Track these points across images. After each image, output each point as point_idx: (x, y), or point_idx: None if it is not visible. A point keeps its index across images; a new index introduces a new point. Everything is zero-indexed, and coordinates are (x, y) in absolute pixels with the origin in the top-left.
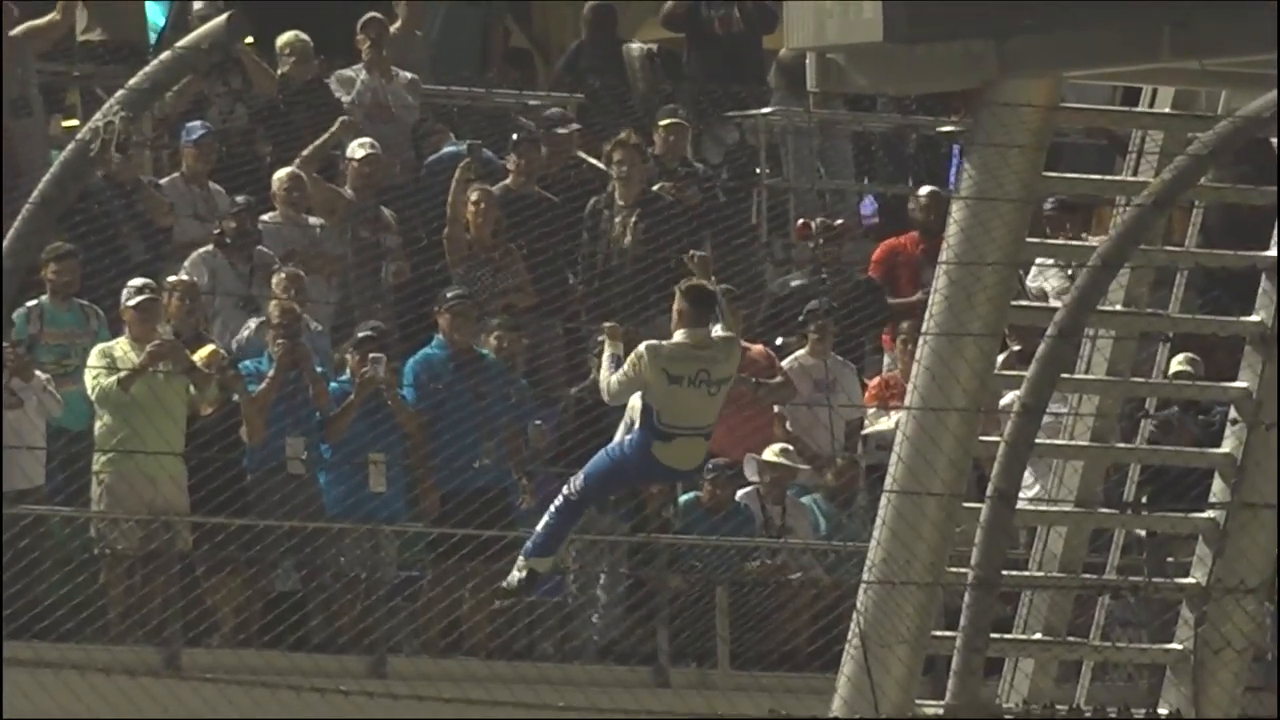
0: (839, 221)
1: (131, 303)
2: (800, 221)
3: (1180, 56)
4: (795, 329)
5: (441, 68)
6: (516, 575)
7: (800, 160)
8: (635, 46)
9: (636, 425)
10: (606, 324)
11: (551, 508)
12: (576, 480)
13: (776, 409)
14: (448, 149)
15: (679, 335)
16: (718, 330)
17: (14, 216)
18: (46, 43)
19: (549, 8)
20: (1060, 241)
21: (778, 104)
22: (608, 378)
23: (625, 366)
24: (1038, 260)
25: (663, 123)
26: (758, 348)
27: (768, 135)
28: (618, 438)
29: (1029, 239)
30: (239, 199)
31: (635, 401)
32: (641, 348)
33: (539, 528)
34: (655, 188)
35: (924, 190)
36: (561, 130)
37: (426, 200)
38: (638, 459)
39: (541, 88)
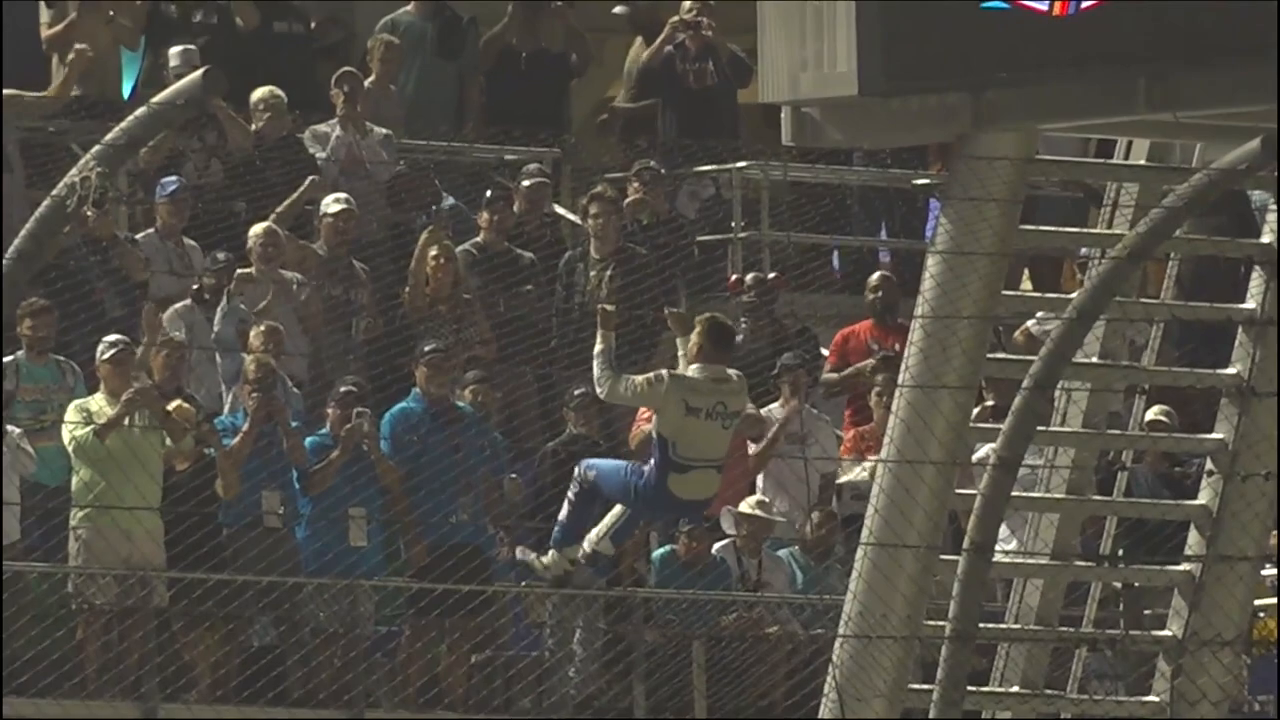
0: (771, 275)
1: (105, 356)
2: (733, 277)
3: (1155, 109)
4: (767, 381)
5: (416, 123)
6: (557, 565)
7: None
8: None
9: (652, 461)
10: (602, 306)
11: (569, 495)
12: (590, 471)
13: (751, 460)
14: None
15: (695, 369)
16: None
17: None
18: (38, 113)
19: None
20: (1035, 294)
21: (753, 158)
22: (610, 377)
23: (641, 380)
24: None
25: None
26: None
27: (744, 189)
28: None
29: (1005, 291)
30: (219, 256)
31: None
32: (664, 372)
33: (561, 518)
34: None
35: (875, 276)
36: (528, 182)
37: (403, 256)
38: (652, 494)
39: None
